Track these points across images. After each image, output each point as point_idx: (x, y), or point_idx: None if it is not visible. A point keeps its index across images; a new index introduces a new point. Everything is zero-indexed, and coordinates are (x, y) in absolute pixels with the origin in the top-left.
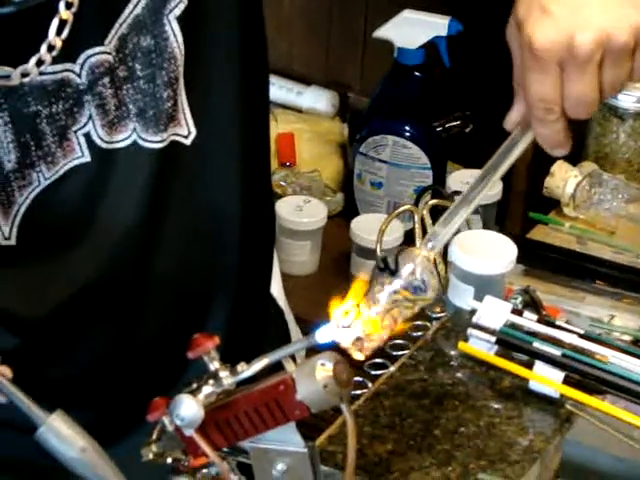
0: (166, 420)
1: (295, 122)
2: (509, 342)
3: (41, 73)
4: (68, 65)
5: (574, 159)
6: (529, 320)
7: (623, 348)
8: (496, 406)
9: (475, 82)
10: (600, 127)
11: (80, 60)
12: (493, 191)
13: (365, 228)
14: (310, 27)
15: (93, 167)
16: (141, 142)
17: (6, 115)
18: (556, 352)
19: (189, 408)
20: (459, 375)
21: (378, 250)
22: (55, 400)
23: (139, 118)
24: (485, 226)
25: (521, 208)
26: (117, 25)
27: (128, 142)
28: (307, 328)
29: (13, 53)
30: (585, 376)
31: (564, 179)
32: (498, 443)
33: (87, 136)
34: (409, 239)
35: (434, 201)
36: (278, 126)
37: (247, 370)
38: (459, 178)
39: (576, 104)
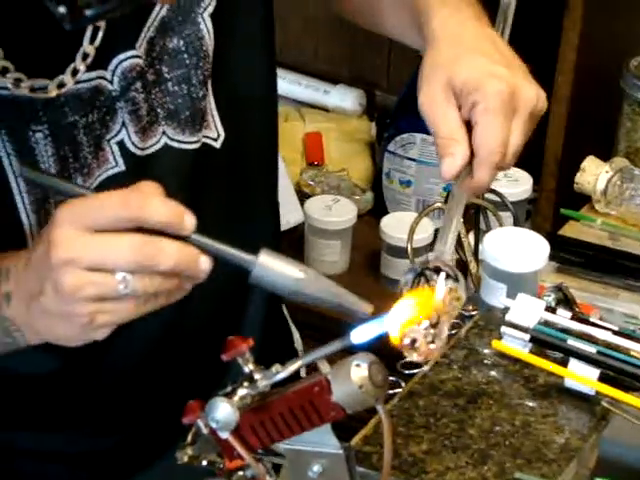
0: (201, 423)
1: (322, 121)
2: (543, 340)
3: (76, 82)
4: (100, 72)
5: (605, 155)
6: (563, 317)
7: None
8: (531, 404)
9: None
10: (630, 122)
11: (112, 66)
12: (523, 188)
13: (395, 227)
14: (336, 25)
15: (127, 176)
16: (175, 144)
17: (45, 128)
18: (591, 349)
19: (224, 411)
20: (493, 374)
21: (409, 248)
22: (90, 421)
23: (169, 120)
24: (516, 223)
25: (552, 205)
26: (145, 29)
27: (158, 146)
28: (338, 327)
29: (49, 64)
30: (620, 373)
31: (595, 175)
32: (534, 442)
33: (120, 144)
34: None
35: None
36: (306, 126)
37: (282, 372)
38: None
39: (517, 152)
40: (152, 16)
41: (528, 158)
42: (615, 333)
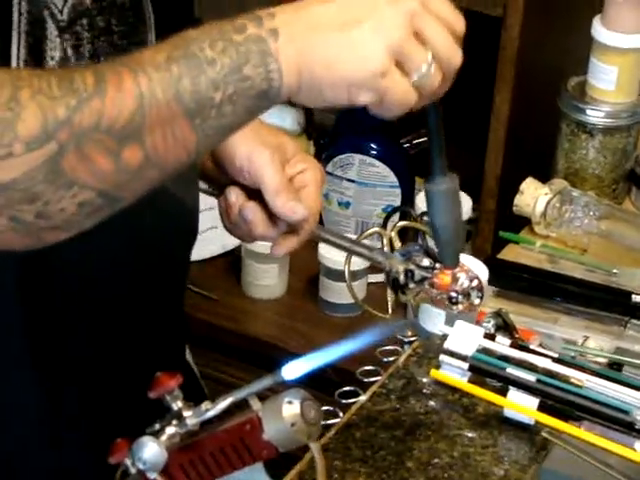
0: (128, 462)
1: None
2: (482, 368)
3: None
4: None
5: (544, 176)
6: (502, 345)
7: (598, 372)
8: (470, 435)
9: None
10: (569, 143)
11: None
12: (463, 209)
13: (333, 250)
14: None
15: None
16: None
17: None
18: (530, 377)
19: (151, 450)
20: (432, 403)
21: (346, 272)
22: None
23: None
24: None
25: (491, 227)
26: None
27: None
28: (276, 353)
29: None
30: (560, 402)
31: (534, 197)
32: (473, 474)
33: None
34: None
35: (402, 223)
36: None
37: (212, 409)
38: None
39: None
40: None
41: (467, 179)
42: (555, 360)
